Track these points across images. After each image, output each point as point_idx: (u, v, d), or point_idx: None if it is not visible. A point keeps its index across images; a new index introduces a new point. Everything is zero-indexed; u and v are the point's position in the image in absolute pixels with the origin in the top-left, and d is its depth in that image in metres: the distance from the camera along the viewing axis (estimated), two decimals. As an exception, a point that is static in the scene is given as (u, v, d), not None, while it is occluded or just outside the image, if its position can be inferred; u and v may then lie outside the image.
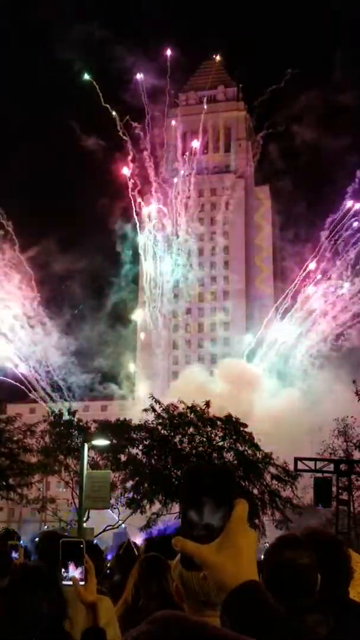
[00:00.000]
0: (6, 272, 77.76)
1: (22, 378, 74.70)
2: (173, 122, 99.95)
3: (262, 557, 3.29)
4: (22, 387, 73.85)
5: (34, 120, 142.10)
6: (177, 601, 1.70)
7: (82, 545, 3.39)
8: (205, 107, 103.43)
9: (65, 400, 73.26)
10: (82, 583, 3.26)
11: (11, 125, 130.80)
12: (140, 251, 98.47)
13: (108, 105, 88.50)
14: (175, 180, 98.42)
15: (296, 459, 32.40)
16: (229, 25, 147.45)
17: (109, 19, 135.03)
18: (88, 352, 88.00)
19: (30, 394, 74.43)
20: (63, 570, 3.30)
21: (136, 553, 7.27)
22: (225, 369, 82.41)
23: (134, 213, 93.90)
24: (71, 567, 3.31)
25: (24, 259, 79.56)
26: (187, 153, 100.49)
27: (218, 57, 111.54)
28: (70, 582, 3.26)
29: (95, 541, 28.17)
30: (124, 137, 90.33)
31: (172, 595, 1.86)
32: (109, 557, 17.65)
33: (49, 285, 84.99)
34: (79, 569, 3.31)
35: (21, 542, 9.20)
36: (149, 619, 0.96)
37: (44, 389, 76.14)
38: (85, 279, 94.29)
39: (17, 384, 73.25)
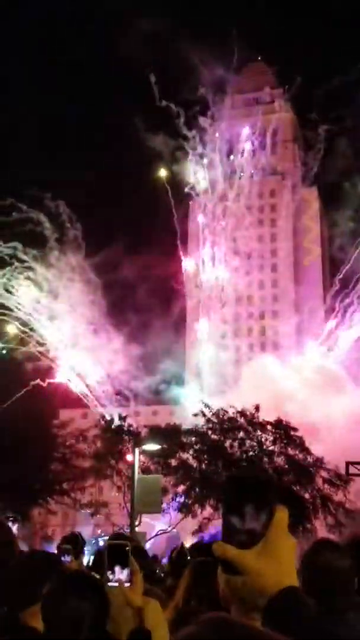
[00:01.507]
0: (72, 277, 77.81)
1: (80, 384, 74.59)
2: (220, 125, 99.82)
3: (300, 560, 3.34)
4: (77, 393, 73.80)
5: (94, 116, 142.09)
6: (224, 605, 1.80)
7: (127, 548, 3.48)
8: (251, 109, 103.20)
9: (123, 405, 73.36)
10: (127, 585, 3.31)
11: (69, 118, 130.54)
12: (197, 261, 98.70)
13: (172, 104, 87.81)
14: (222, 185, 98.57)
15: (347, 463, 32.10)
16: (273, 25, 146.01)
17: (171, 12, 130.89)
18: (154, 357, 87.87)
19: (85, 400, 74.40)
20: (109, 572, 3.41)
21: (189, 557, 7.38)
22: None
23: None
24: (117, 570, 3.41)
25: (90, 264, 79.34)
26: (231, 156, 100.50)
27: (259, 59, 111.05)
28: (116, 584, 3.38)
29: (148, 545, 28.43)
30: (184, 138, 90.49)
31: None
32: (164, 561, 17.78)
33: (114, 291, 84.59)
34: (125, 571, 3.41)
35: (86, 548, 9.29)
36: (197, 620, 0.98)
37: (93, 395, 75.91)
38: (152, 285, 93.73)
39: (74, 391, 73.33)
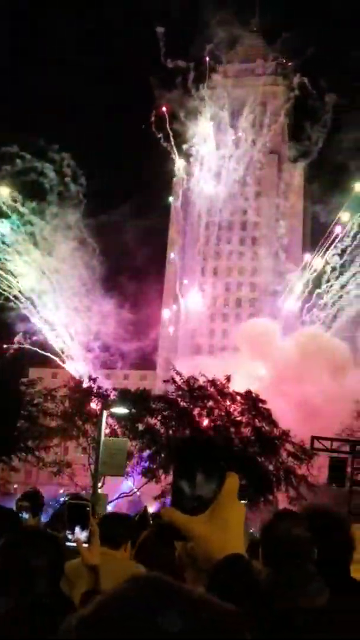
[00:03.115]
0: (67, 235, 76.53)
1: (58, 342, 73.78)
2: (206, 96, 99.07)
3: (259, 531, 3.34)
4: (54, 350, 72.98)
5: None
6: (180, 569, 1.71)
7: (88, 509, 3.42)
8: (242, 80, 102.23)
9: (111, 368, 72.45)
10: (85, 545, 3.30)
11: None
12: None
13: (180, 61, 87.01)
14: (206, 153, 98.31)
15: (313, 438, 32.49)
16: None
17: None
18: (145, 324, 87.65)
19: (60, 358, 73.63)
20: (68, 532, 3.35)
21: (151, 522, 7.34)
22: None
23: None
24: (77, 530, 3.34)
25: (88, 225, 78.49)
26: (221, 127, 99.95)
27: (255, 29, 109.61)
28: (74, 544, 3.30)
29: (109, 508, 28.56)
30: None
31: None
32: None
33: (112, 255, 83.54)
34: (84, 532, 3.34)
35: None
36: (129, 578, 0.95)
37: (70, 354, 74.97)
38: (149, 251, 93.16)
39: (47, 352, 72.70)
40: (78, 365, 70.68)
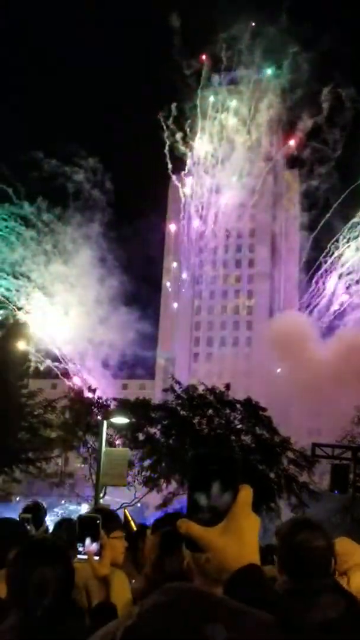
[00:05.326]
0: (85, 244, 75.83)
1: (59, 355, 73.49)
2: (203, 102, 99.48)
3: (276, 538, 3.31)
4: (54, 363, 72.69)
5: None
6: (189, 577, 1.73)
7: (98, 521, 3.44)
8: (232, 88, 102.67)
9: (117, 377, 71.74)
10: (96, 557, 3.32)
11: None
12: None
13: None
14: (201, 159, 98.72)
15: (314, 445, 32.42)
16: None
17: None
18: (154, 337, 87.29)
19: (61, 368, 73.25)
20: (79, 544, 3.37)
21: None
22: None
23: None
24: (87, 542, 3.37)
25: (107, 234, 78.48)
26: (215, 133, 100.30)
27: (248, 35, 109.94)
28: (86, 557, 3.33)
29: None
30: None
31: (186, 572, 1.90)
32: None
33: (129, 269, 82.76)
34: (95, 544, 3.37)
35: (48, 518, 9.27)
36: (160, 589, 0.98)
37: (58, 365, 74.58)
38: (140, 266, 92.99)
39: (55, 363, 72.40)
40: (83, 378, 70.57)
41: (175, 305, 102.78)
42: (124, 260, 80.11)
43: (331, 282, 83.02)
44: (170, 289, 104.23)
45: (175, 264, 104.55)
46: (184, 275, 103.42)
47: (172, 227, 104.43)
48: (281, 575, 3.09)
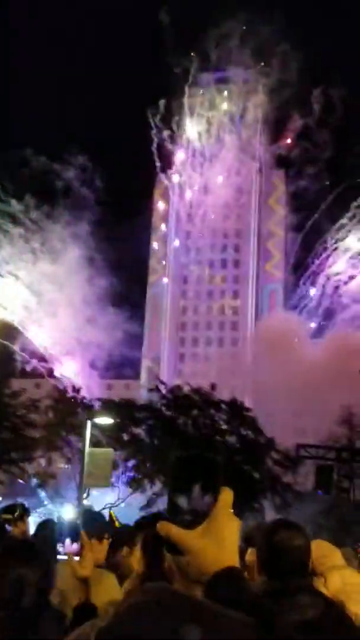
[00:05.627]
0: (73, 243, 75.41)
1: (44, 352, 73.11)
2: (187, 105, 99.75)
3: (259, 538, 3.29)
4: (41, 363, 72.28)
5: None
6: (169, 578, 1.73)
7: (78, 522, 3.38)
8: (220, 87, 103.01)
9: (103, 377, 71.82)
10: (77, 558, 3.28)
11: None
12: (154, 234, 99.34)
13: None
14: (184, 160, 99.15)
15: (298, 445, 32.58)
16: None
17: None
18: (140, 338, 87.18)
19: (46, 368, 72.96)
20: (59, 544, 3.31)
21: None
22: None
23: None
24: (67, 542, 3.31)
25: (96, 235, 77.68)
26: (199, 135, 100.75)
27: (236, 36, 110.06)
28: (65, 557, 3.27)
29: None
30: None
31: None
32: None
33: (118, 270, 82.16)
34: (75, 545, 3.31)
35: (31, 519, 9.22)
36: (142, 589, 0.97)
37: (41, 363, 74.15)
38: (129, 266, 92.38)
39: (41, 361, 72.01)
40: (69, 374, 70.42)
41: (164, 304, 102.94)
42: (113, 259, 79.49)
43: (319, 283, 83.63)
44: (156, 289, 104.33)
45: (163, 262, 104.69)
46: (168, 276, 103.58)
47: (162, 226, 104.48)
48: (260, 576, 3.08)
